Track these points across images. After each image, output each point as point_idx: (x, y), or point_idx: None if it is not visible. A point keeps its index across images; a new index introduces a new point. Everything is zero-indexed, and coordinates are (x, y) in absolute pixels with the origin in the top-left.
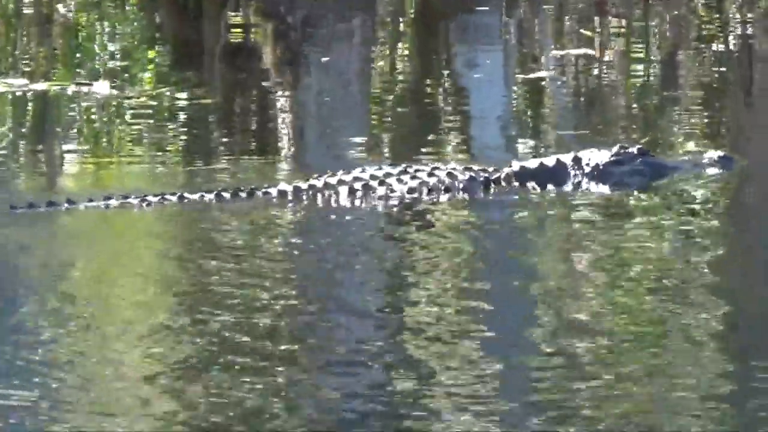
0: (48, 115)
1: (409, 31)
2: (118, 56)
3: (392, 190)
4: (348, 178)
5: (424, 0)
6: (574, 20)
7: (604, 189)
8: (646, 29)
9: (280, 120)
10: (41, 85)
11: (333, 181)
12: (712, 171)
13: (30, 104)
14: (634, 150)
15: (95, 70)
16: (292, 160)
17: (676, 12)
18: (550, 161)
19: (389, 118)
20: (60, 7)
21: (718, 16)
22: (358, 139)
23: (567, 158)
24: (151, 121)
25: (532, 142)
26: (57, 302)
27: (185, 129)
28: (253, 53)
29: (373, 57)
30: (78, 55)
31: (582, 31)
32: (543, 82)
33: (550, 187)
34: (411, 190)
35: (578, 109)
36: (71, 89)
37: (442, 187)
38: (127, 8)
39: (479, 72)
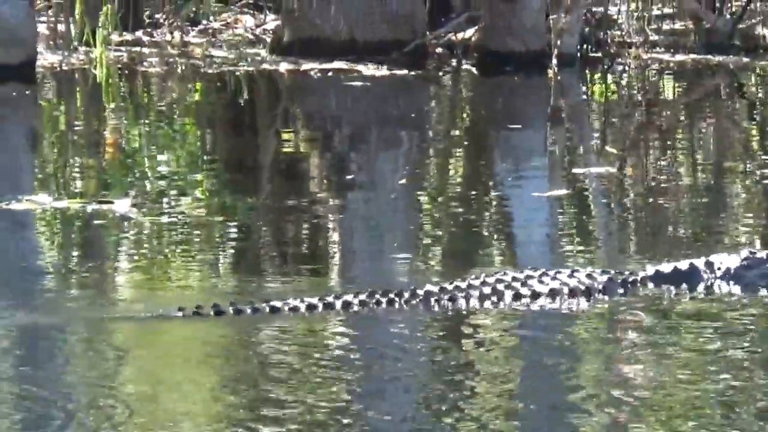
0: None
1: (453, 147)
2: (161, 175)
3: (535, 292)
4: (491, 279)
5: (473, 117)
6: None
7: (736, 291)
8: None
9: (329, 236)
10: (62, 203)
11: (476, 282)
12: None
13: (44, 222)
14: (763, 255)
15: (128, 187)
16: (342, 274)
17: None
18: (683, 265)
19: (436, 234)
20: (111, 126)
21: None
22: (405, 255)
23: (699, 262)
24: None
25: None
26: None
27: (234, 242)
28: (301, 168)
29: (419, 172)
30: (115, 173)
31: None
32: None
33: (683, 289)
34: (552, 291)
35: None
36: (91, 207)
37: (583, 288)
38: (176, 127)
39: (521, 189)
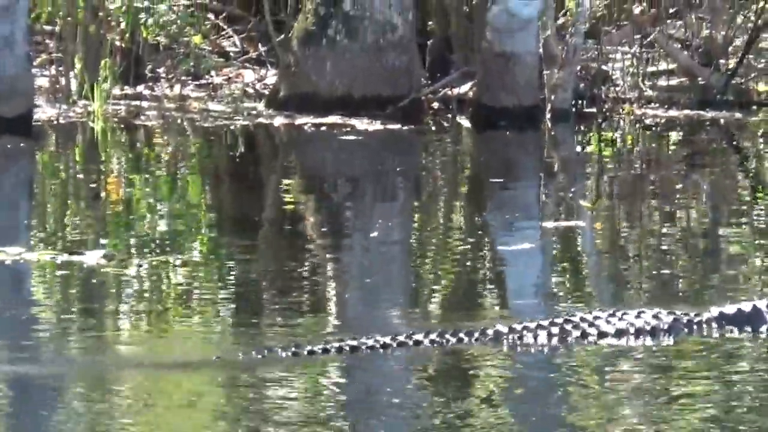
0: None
1: (432, 200)
2: (143, 227)
3: (602, 332)
4: (559, 320)
5: (459, 170)
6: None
7: None
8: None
9: (326, 287)
10: (33, 254)
11: (545, 323)
12: None
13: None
14: None
15: (105, 239)
16: (340, 320)
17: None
18: (746, 307)
19: (430, 284)
20: (110, 180)
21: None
22: (400, 303)
23: (762, 304)
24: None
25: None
26: None
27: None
28: (297, 222)
29: (415, 227)
30: (97, 225)
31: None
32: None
33: (747, 330)
34: (619, 332)
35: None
36: (61, 259)
37: (649, 328)
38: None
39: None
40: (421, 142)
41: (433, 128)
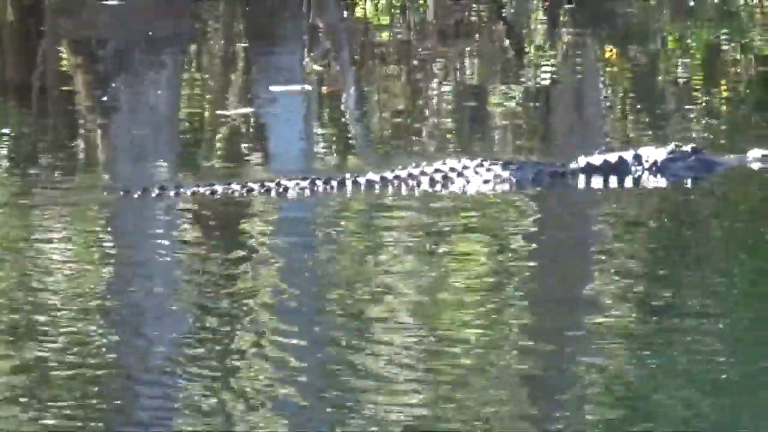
0: None
1: (215, 65)
2: None
3: (468, 181)
4: (429, 169)
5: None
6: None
7: (662, 183)
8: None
9: (94, 145)
10: None
11: (416, 172)
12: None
13: None
14: (687, 148)
15: None
16: (111, 175)
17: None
18: (612, 157)
19: (195, 145)
20: None
21: None
22: (165, 161)
23: (628, 155)
24: None
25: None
26: None
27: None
28: (65, 83)
29: (182, 88)
30: None
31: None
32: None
33: (612, 180)
34: (486, 182)
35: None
36: None
37: (515, 179)
38: None
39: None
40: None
41: None
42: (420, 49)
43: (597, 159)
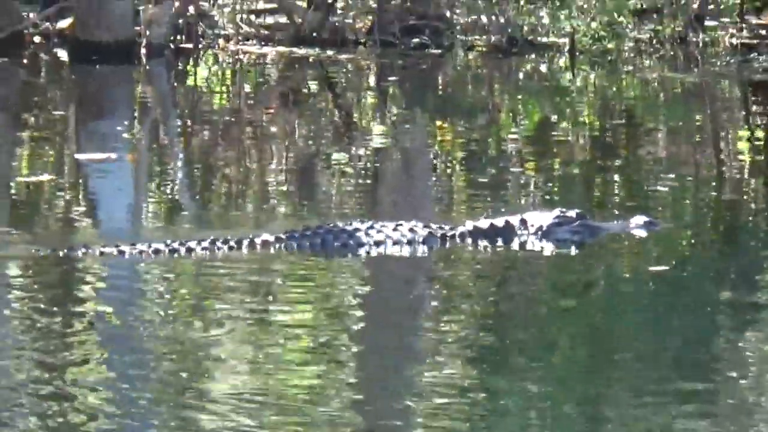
0: None
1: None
2: None
3: (360, 243)
4: (321, 230)
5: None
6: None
7: (547, 247)
8: None
9: None
10: None
11: (308, 233)
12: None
13: None
14: (572, 214)
15: None
16: None
17: None
18: (499, 222)
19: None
20: None
21: None
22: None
23: (515, 220)
24: None
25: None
26: None
27: None
28: None
29: None
30: None
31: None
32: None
33: (499, 244)
34: (377, 243)
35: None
36: None
37: (405, 241)
38: None
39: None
40: (20, 74)
41: (28, 62)
42: (251, 117)
43: (484, 223)
